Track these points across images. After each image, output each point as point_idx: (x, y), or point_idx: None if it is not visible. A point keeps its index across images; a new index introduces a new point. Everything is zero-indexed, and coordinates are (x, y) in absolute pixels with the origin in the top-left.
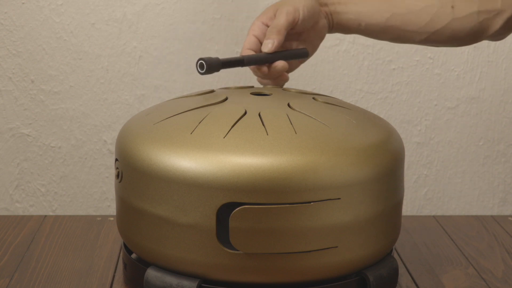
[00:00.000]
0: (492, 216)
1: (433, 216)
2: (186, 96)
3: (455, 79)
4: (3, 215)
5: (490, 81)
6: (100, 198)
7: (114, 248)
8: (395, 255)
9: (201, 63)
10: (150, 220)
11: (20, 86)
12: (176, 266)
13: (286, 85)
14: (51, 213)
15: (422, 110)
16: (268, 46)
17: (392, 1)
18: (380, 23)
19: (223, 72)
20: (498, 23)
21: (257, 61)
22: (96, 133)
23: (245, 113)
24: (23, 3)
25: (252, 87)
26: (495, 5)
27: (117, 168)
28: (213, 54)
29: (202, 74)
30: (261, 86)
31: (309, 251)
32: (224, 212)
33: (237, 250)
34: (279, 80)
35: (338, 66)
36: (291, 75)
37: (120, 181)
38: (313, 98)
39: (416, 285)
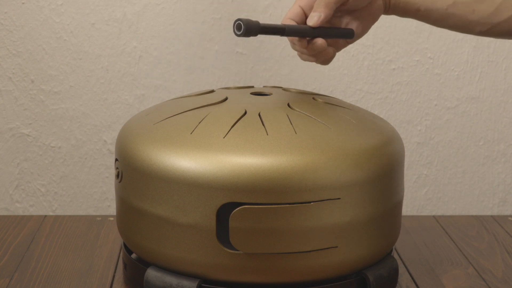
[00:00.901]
0: (492, 216)
1: (433, 216)
2: (186, 96)
3: (455, 79)
4: (3, 215)
5: (490, 81)
6: (100, 198)
7: (114, 248)
8: (395, 255)
9: (239, 23)
10: (150, 220)
11: (20, 86)
12: (176, 266)
13: (286, 85)
14: (51, 213)
15: (422, 110)
16: (314, 19)
17: None
18: (440, 10)
19: (223, 72)
20: None
21: (299, 32)
22: (96, 133)
23: (245, 113)
24: (23, 3)
25: (252, 87)
26: None
27: (117, 168)
28: (213, 54)
29: (238, 35)
30: (261, 86)
31: (309, 251)
32: (224, 212)
33: (237, 250)
34: (320, 57)
35: (338, 66)
36: (290, 75)
37: (120, 181)
38: (313, 98)
39: (416, 285)
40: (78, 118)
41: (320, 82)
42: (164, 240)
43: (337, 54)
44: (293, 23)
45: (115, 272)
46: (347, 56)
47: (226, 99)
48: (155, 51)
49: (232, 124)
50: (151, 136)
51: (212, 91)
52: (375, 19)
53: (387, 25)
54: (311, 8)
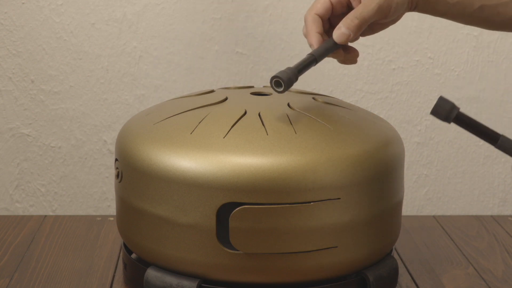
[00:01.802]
0: (492, 216)
1: (433, 216)
2: (186, 96)
3: (455, 79)
4: (3, 215)
5: (490, 81)
6: (100, 198)
7: (114, 248)
8: (395, 255)
9: (277, 81)
10: (150, 220)
11: (20, 86)
12: (176, 266)
13: None
14: (51, 213)
15: (422, 110)
16: (341, 38)
17: None
18: (466, 16)
19: (223, 72)
20: None
21: (327, 53)
22: (96, 133)
23: (245, 113)
24: (23, 3)
25: (252, 87)
26: None
27: (117, 168)
28: (213, 54)
29: (281, 92)
30: (261, 86)
31: (309, 251)
32: (224, 212)
33: (237, 250)
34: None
35: (338, 66)
36: None
37: (120, 181)
38: (313, 98)
39: (416, 285)
40: (78, 118)
41: (320, 82)
42: (164, 240)
43: None
44: (319, 21)
45: (115, 272)
46: None
47: (226, 99)
48: (155, 51)
49: (232, 124)
50: (151, 136)
51: (212, 91)
52: (396, 21)
53: None
54: (340, 4)
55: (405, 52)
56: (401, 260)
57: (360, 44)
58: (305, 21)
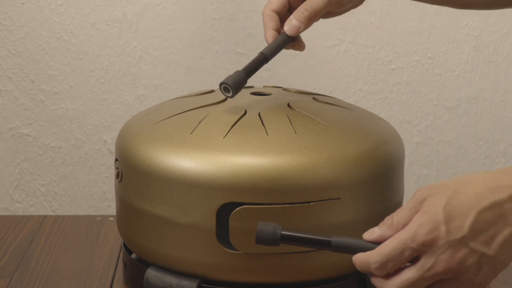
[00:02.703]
0: None
1: None
2: (186, 96)
3: (455, 79)
4: (3, 215)
5: (490, 81)
6: (100, 198)
7: (114, 248)
8: None
9: (225, 87)
10: (150, 220)
11: (20, 86)
12: (176, 266)
13: (286, 85)
14: (51, 213)
15: (422, 110)
16: (292, 30)
17: None
18: None
19: (223, 72)
20: None
21: (279, 49)
22: (96, 133)
23: (245, 113)
24: (23, 3)
25: (252, 87)
26: None
27: (117, 168)
28: (213, 54)
29: (231, 97)
30: (261, 86)
31: (309, 251)
32: (224, 212)
33: (237, 250)
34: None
35: (338, 66)
36: (290, 75)
37: (120, 181)
38: (313, 98)
39: None
40: (78, 118)
41: (320, 82)
42: (164, 240)
43: (337, 54)
44: (276, 17)
45: (115, 272)
46: (347, 56)
47: (226, 99)
48: (155, 51)
49: (232, 124)
50: (151, 136)
51: (212, 91)
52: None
53: (387, 25)
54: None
55: (405, 52)
56: None
57: (360, 44)
58: (262, 18)
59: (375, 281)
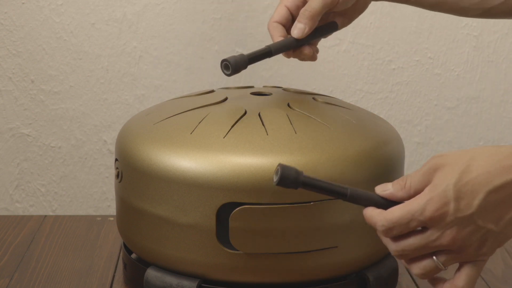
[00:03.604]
0: None
1: None
2: (186, 96)
3: (455, 79)
4: (3, 215)
5: (490, 81)
6: (100, 198)
7: (114, 248)
8: None
9: (226, 64)
10: (150, 220)
11: (20, 86)
12: (176, 266)
13: (286, 85)
14: (51, 213)
15: (422, 110)
16: (299, 32)
17: None
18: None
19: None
20: None
21: (285, 48)
22: (96, 133)
23: (245, 113)
24: (23, 3)
25: (252, 87)
26: None
27: (117, 168)
28: (213, 54)
29: (228, 75)
30: (261, 86)
31: (309, 251)
32: (224, 212)
33: (237, 250)
34: (308, 60)
35: (338, 66)
36: (290, 75)
37: (120, 181)
38: (313, 98)
39: (416, 285)
40: (78, 118)
41: (320, 82)
42: (164, 240)
43: (337, 54)
44: (279, 27)
45: (115, 272)
46: (347, 56)
47: (226, 99)
48: (155, 51)
49: (232, 124)
50: (151, 136)
51: (212, 91)
52: (362, 11)
53: (387, 25)
54: (297, 8)
55: (405, 52)
56: None
57: (360, 44)
58: (268, 31)
59: (381, 236)
